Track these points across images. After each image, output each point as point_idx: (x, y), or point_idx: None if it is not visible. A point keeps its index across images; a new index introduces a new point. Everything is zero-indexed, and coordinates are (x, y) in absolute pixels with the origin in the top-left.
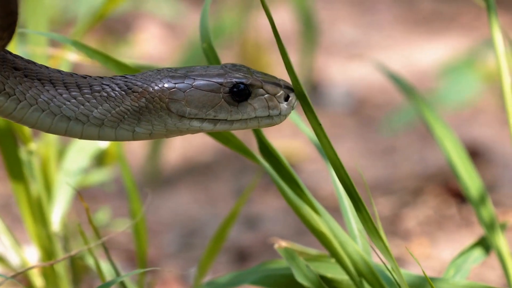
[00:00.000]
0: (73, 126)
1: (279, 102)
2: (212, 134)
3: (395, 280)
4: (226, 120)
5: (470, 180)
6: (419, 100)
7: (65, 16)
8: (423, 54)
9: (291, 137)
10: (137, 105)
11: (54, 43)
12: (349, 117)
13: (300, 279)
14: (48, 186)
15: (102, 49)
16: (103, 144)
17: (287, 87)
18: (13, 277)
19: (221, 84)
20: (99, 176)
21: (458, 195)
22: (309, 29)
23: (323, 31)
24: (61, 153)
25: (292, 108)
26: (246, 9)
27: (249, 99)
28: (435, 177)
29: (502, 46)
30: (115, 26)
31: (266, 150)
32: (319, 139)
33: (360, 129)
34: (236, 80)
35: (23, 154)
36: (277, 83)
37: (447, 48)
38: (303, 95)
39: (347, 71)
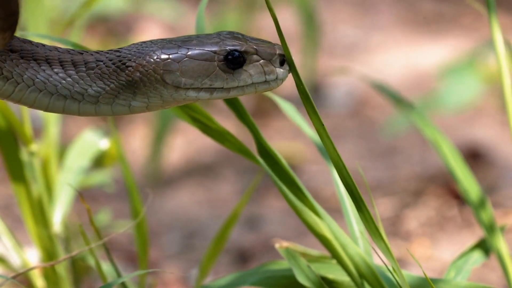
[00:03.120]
0: (70, 105)
1: (274, 67)
2: (213, 135)
3: (396, 281)
4: (222, 88)
5: (469, 184)
6: (408, 108)
7: (66, 18)
8: (424, 55)
9: (292, 139)
10: (131, 79)
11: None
12: (350, 118)
13: (301, 279)
14: (49, 187)
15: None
16: (103, 145)
17: (282, 50)
18: (14, 277)
19: (215, 52)
20: (100, 177)
21: (459, 196)
22: (312, 30)
23: (325, 32)
24: (62, 154)
25: (288, 71)
26: (249, 10)
27: (244, 65)
28: (436, 178)
29: (503, 47)
30: (116, 28)
31: (266, 152)
32: (322, 140)
33: (361, 130)
34: (230, 47)
35: (24, 155)
36: (271, 47)
37: (448, 49)
38: (307, 96)
39: (348, 72)
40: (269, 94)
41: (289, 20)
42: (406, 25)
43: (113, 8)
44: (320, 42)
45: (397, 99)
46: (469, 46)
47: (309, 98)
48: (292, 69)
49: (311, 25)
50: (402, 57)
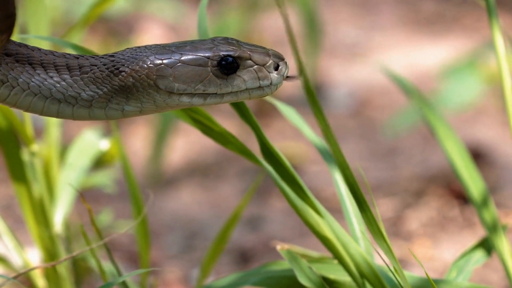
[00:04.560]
0: (64, 108)
1: (269, 72)
2: (214, 136)
3: (398, 281)
4: (216, 94)
5: (473, 181)
6: (421, 101)
7: (68, 18)
8: (425, 56)
9: (293, 139)
10: (124, 84)
11: (55, 46)
12: (351, 119)
13: (302, 280)
14: (50, 188)
15: (104, 51)
16: (104, 146)
17: (276, 56)
18: (15, 278)
19: (208, 57)
20: (101, 178)
21: (461, 197)
22: (313, 31)
23: (326, 32)
24: (63, 154)
25: (283, 77)
26: (250, 10)
27: (238, 71)
28: (438, 179)
29: (503, 47)
30: (117, 28)
31: (268, 152)
32: (326, 139)
33: (362, 130)
34: (223, 53)
35: (25, 155)
36: (265, 53)
37: (449, 50)
38: (313, 95)
39: (349, 72)
40: (270, 97)
41: (290, 20)
42: (407, 25)
43: (114, 8)
44: (321, 42)
45: (411, 91)
46: (470, 46)
47: (315, 98)
48: (301, 70)
49: (312, 25)
50: (403, 57)
